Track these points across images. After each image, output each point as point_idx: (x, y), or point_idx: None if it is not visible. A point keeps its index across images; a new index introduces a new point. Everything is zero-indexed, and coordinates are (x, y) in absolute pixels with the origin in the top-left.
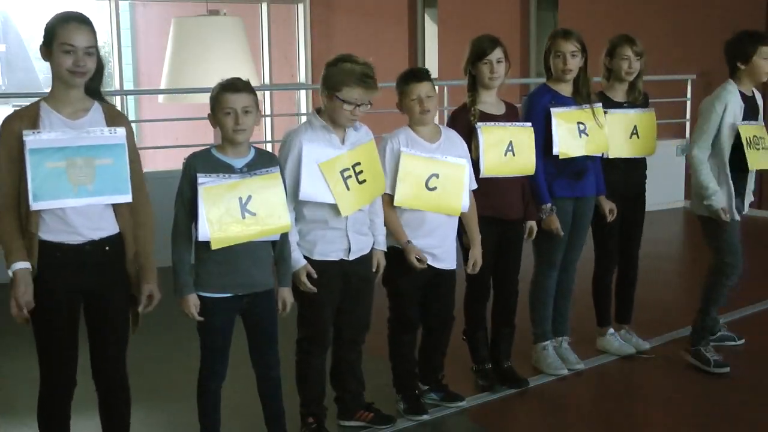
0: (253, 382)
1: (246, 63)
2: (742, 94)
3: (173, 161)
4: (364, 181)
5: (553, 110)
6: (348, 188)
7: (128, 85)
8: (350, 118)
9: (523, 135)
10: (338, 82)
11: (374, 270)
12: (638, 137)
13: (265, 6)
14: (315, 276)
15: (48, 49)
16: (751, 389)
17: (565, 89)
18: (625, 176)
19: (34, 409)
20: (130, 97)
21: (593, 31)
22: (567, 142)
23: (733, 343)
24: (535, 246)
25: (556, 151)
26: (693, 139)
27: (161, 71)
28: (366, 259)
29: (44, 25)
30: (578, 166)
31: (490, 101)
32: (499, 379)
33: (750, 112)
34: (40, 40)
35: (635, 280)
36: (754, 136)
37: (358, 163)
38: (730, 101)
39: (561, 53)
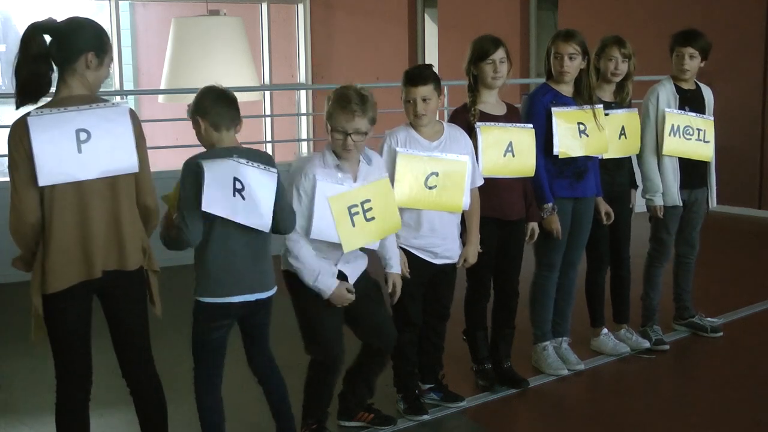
0: (251, 381)
1: (246, 63)
2: (679, 88)
3: (173, 161)
4: (372, 218)
5: (554, 109)
6: (353, 225)
7: (128, 85)
8: (344, 148)
9: (524, 136)
10: (329, 111)
11: (390, 291)
12: (626, 137)
13: (265, 6)
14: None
15: None
16: (751, 389)
17: (566, 89)
18: (612, 176)
19: (34, 409)
20: (130, 97)
21: (593, 31)
22: (567, 142)
23: (705, 333)
24: (535, 247)
25: (556, 150)
26: (641, 135)
27: (161, 71)
28: (362, 277)
29: None
30: (579, 166)
31: (491, 101)
32: (499, 379)
33: (687, 104)
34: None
35: (628, 279)
36: (687, 125)
37: (368, 200)
38: (661, 92)
39: (559, 54)
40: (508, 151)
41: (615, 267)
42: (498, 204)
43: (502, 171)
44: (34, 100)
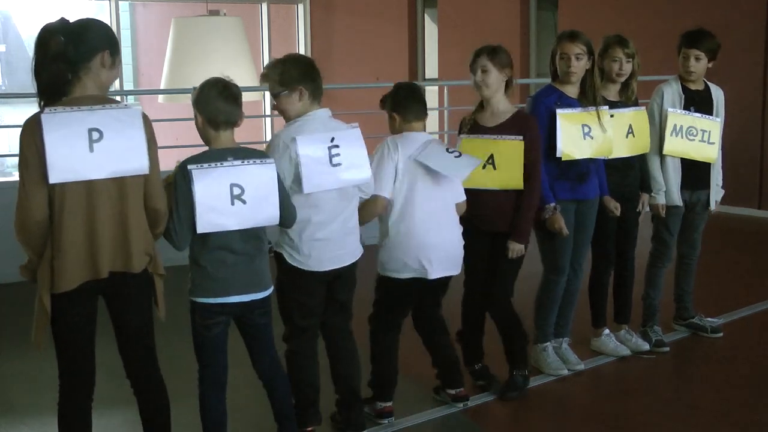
0: (252, 382)
1: (246, 63)
2: (686, 88)
3: (173, 161)
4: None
5: (559, 111)
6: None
7: (128, 85)
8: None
9: (509, 149)
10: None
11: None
12: (633, 136)
13: (265, 6)
14: None
15: None
16: (751, 389)
17: (571, 91)
18: (621, 177)
19: (34, 409)
20: (130, 97)
21: (593, 31)
22: (570, 144)
23: (705, 334)
24: (541, 252)
25: (558, 153)
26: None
27: (161, 71)
28: None
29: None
30: (581, 169)
31: (488, 111)
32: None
33: (694, 104)
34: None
35: (632, 280)
36: (690, 126)
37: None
38: (666, 92)
39: (566, 55)
40: (488, 163)
41: (619, 267)
42: (484, 215)
43: (482, 182)
44: (58, 100)
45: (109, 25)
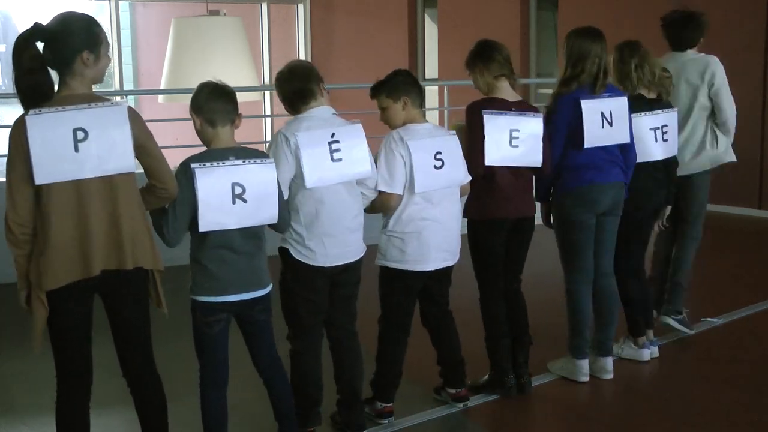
0: (252, 381)
1: (246, 63)
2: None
3: (173, 161)
4: None
5: None
6: None
7: (128, 85)
8: None
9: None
10: None
11: None
12: None
13: (265, 6)
14: None
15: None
16: (751, 390)
17: None
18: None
19: (34, 409)
20: (130, 97)
21: None
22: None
23: (686, 332)
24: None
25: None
26: None
27: (161, 71)
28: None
29: None
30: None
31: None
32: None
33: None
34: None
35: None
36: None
37: None
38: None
39: None
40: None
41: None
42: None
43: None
44: (43, 104)
45: (109, 24)
